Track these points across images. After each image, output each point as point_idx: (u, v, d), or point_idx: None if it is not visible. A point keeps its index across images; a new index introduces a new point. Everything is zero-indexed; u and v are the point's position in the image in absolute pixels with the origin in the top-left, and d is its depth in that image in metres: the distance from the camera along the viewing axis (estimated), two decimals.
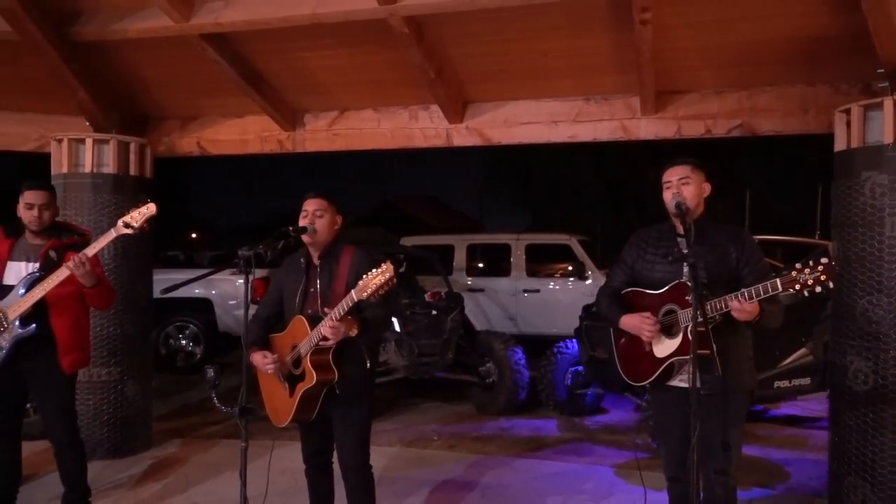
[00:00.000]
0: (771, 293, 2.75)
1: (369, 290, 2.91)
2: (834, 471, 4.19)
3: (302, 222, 3.37)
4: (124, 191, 5.35)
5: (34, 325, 3.66)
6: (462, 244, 9.82)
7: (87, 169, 5.25)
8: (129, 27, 4.57)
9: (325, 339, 3.10)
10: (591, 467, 5.29)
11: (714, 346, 2.92)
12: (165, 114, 5.85)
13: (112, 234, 3.65)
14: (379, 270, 2.90)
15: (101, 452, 5.22)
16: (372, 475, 3.47)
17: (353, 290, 2.98)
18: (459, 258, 9.65)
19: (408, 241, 10.38)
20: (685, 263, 3.05)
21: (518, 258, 9.38)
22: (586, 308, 6.88)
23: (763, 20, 4.14)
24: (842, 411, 4.09)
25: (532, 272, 9.43)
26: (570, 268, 9.49)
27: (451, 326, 6.83)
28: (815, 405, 6.97)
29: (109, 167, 5.31)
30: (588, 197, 21.26)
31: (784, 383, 5.95)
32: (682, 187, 3.16)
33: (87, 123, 5.55)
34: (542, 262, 9.93)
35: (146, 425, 5.66)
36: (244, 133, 5.72)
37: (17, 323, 3.65)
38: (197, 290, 9.53)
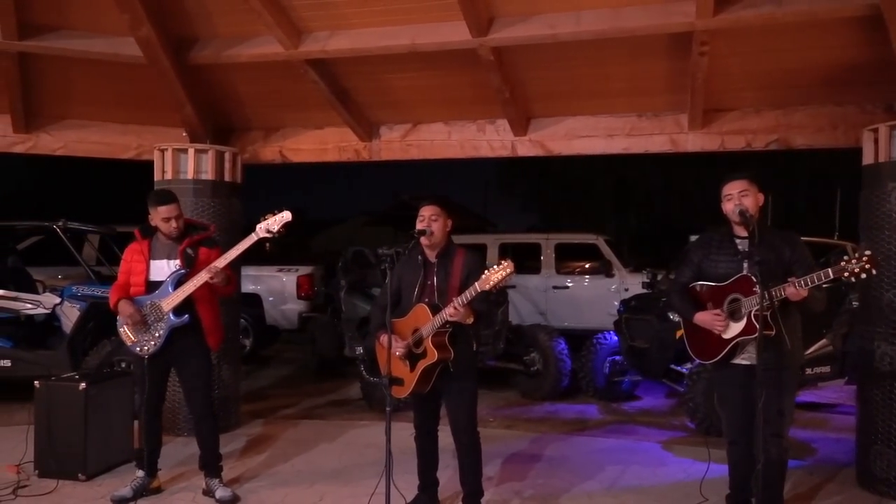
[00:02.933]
0: (823, 280, 3.39)
1: (491, 283, 3.54)
2: (861, 442, 4.83)
3: (420, 226, 3.98)
4: (220, 195, 5.97)
5: (187, 314, 4.28)
6: (494, 243, 10.45)
7: (189, 175, 5.86)
8: (242, 52, 5.19)
9: (447, 322, 3.73)
10: (640, 443, 5.94)
11: (781, 324, 3.55)
12: (251, 125, 6.47)
13: (253, 238, 4.25)
14: (501, 266, 3.53)
15: None
16: (479, 438, 4.09)
17: (476, 282, 3.60)
18: (492, 257, 10.26)
19: None
20: (747, 260, 3.72)
21: (548, 256, 10.02)
22: (625, 302, 7.54)
23: (801, 51, 4.79)
24: (869, 390, 4.74)
25: (561, 270, 10.07)
26: (597, 266, 10.12)
27: (502, 318, 7.47)
28: (831, 393, 7.63)
29: (208, 174, 5.92)
30: (598, 198, 21.89)
31: (807, 371, 6.58)
32: (743, 199, 3.78)
33: (185, 134, 6.17)
34: (570, 260, 10.57)
35: (236, 405, 6.29)
36: (324, 143, 6.34)
37: (171, 314, 4.27)
38: (251, 287, 10.12)
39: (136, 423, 4.97)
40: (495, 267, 3.55)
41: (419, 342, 3.89)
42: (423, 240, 3.97)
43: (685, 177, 20.27)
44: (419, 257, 4.06)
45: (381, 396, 7.00)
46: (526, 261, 10.53)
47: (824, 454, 5.72)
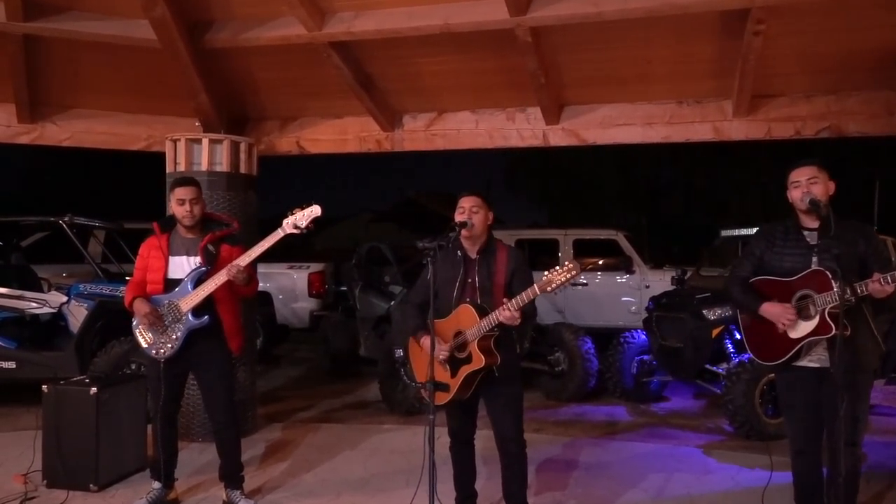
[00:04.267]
0: None
1: (553, 285, 3.25)
2: None
3: (459, 218, 3.68)
4: (236, 187, 5.67)
5: (206, 316, 3.98)
6: (511, 240, 10.11)
7: (204, 167, 5.56)
8: (262, 35, 4.88)
9: (498, 325, 3.43)
10: (679, 448, 5.64)
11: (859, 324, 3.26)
12: (266, 114, 6.16)
13: (280, 234, 3.95)
14: (566, 267, 3.24)
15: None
16: (526, 447, 3.79)
17: (535, 284, 3.31)
18: None
19: None
20: (818, 253, 3.42)
21: (566, 252, 9.70)
22: (655, 299, 7.24)
23: (858, 31, 4.49)
24: None
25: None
26: (617, 262, 9.80)
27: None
28: (873, 393, 7.32)
29: (223, 165, 5.61)
30: (608, 194, 21.60)
31: None
32: (812, 186, 3.48)
33: (198, 124, 5.87)
34: (589, 256, 10.25)
35: (253, 409, 6.00)
36: (344, 133, 6.04)
37: (189, 315, 3.97)
38: (260, 284, 9.81)
39: (149, 429, 4.67)
40: (558, 269, 3.27)
41: (463, 346, 3.58)
42: (464, 233, 3.67)
43: (698, 172, 20.00)
44: (458, 252, 3.76)
45: (401, 399, 6.75)
46: (543, 257, 10.25)
47: (876, 459, 5.41)
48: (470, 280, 3.70)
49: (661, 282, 8.71)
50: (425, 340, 3.65)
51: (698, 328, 6.43)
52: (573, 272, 3.25)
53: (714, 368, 6.54)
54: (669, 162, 20.82)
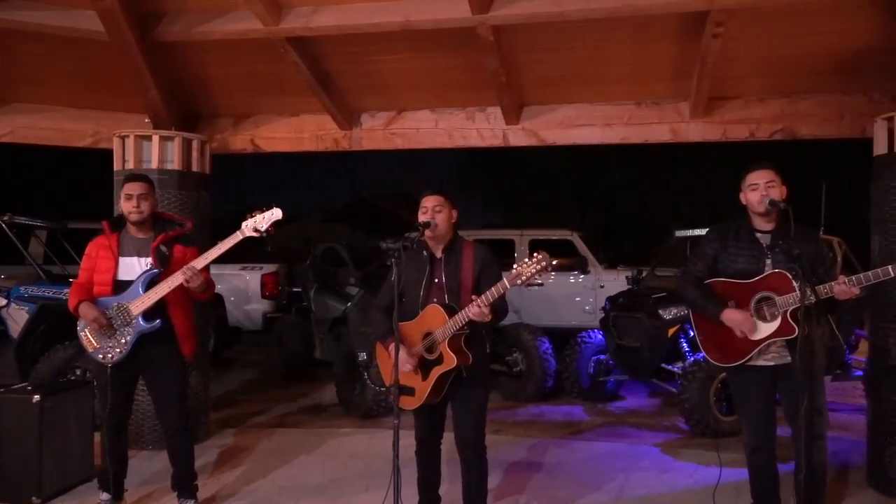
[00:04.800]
0: (882, 278, 3.14)
1: (523, 277, 3.19)
2: (874, 443, 4.64)
3: (422, 218, 3.61)
4: (187, 186, 5.49)
5: (158, 319, 3.82)
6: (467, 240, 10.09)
7: (154, 165, 5.36)
8: (217, 29, 4.73)
9: (468, 323, 3.36)
10: (637, 447, 5.67)
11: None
12: (218, 112, 5.98)
13: (238, 237, 3.82)
14: (535, 259, 3.18)
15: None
16: (486, 453, 3.73)
17: (505, 278, 3.26)
18: None
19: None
20: (772, 256, 3.48)
21: (522, 253, 9.70)
22: (612, 299, 7.28)
23: (811, 35, 4.57)
24: (883, 389, 4.54)
25: None
26: (572, 262, 9.86)
27: None
28: None
29: (174, 163, 5.42)
30: (562, 194, 21.78)
31: None
32: (770, 189, 3.52)
33: (147, 120, 5.66)
34: None
35: (206, 414, 5.81)
36: (300, 131, 5.90)
37: (140, 318, 3.80)
38: None
39: (97, 437, 4.47)
40: (528, 260, 3.21)
41: (432, 347, 3.51)
42: (427, 233, 3.60)
43: (649, 173, 20.32)
44: (423, 252, 3.69)
45: (359, 402, 6.64)
46: (499, 258, 10.23)
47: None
48: (437, 280, 3.64)
49: (615, 282, 8.80)
50: (392, 346, 3.57)
51: (655, 328, 6.49)
52: (543, 263, 3.19)
53: (670, 367, 6.61)
54: (621, 163, 21.11)
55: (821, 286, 3.29)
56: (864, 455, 4.82)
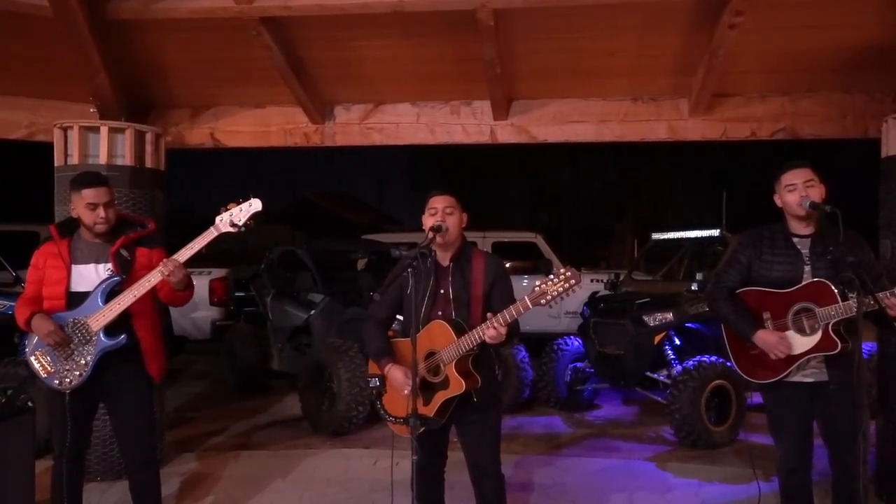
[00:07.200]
0: None
1: (548, 297, 2.82)
2: (883, 454, 4.46)
3: (430, 221, 3.20)
4: (141, 184, 4.90)
5: (123, 335, 3.29)
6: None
7: (102, 160, 4.75)
8: (180, 6, 4.18)
9: (479, 344, 2.98)
10: (631, 462, 5.37)
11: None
12: (174, 102, 5.41)
13: (213, 234, 3.33)
14: (563, 276, 2.80)
15: (118, 471, 4.75)
16: (504, 480, 3.35)
17: (527, 296, 2.87)
18: None
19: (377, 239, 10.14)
20: (812, 263, 3.21)
21: None
22: (590, 304, 6.99)
23: (824, 29, 4.35)
24: (893, 399, 4.36)
25: None
26: (536, 264, 9.61)
27: None
28: None
29: (125, 158, 4.83)
30: (511, 195, 21.58)
31: None
32: (809, 189, 3.25)
33: (93, 110, 5.05)
34: (508, 259, 9.98)
35: (162, 437, 5.22)
36: (266, 125, 5.39)
37: (102, 334, 3.26)
38: None
39: (36, 471, 3.85)
40: (553, 278, 2.82)
41: (437, 369, 3.10)
42: (438, 238, 3.18)
43: (593, 173, 20.34)
44: (427, 260, 3.26)
45: (328, 418, 6.13)
46: None
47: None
48: (442, 291, 3.22)
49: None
50: (392, 371, 3.13)
51: (640, 335, 6.23)
52: (572, 281, 2.82)
53: (654, 376, 6.37)
54: (571, 162, 21.04)
55: (880, 295, 3.02)
56: (872, 465, 4.64)
